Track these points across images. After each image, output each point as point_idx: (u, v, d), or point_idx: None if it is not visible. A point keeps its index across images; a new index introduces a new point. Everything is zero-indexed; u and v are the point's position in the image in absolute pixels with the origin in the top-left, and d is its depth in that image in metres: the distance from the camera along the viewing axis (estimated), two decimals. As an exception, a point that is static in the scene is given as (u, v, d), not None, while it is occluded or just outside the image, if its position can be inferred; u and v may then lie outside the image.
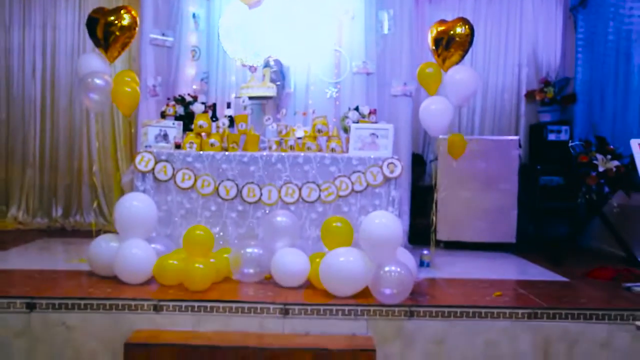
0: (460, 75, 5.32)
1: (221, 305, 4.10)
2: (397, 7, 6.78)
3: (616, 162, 5.62)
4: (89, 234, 6.86)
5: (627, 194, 5.64)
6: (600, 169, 5.66)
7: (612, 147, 5.77)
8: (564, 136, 6.93)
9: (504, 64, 7.67)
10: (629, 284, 4.75)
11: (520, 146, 6.87)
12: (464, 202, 6.60)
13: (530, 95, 7.45)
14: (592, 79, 6.93)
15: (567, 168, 6.24)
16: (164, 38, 6.78)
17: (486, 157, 6.59)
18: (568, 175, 6.36)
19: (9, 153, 7.69)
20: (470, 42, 5.33)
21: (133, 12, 5.17)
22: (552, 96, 7.19)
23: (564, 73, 7.44)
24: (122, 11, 5.10)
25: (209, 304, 4.10)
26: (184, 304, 4.10)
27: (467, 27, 5.31)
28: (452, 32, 5.33)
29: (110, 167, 7.56)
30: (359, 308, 4.11)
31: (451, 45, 5.28)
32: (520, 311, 4.14)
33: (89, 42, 7.20)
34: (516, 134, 7.42)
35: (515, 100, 7.64)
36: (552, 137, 6.98)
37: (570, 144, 6.15)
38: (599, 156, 5.71)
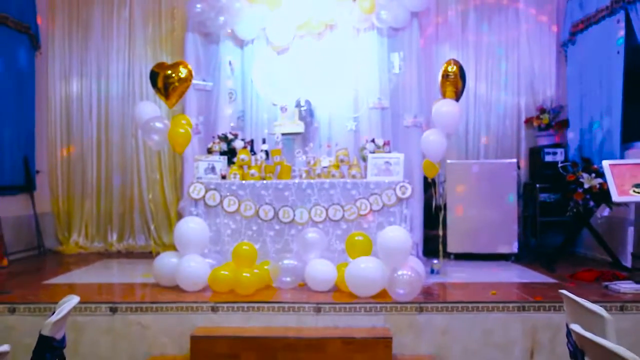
0: (446, 108, 6.09)
1: (266, 305, 5.03)
2: (407, 49, 7.65)
3: (599, 180, 6.38)
4: (141, 255, 7.92)
5: (610, 207, 6.43)
6: (586, 186, 6.46)
7: (596, 166, 6.57)
8: (559, 157, 7.66)
9: (504, 93, 8.43)
10: (607, 283, 5.56)
11: (519, 167, 7.70)
12: (471, 218, 7.42)
13: (529, 121, 8.24)
14: (581, 106, 7.66)
15: (560, 186, 7.02)
16: (205, 83, 7.69)
17: (489, 178, 7.42)
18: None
19: (70, 186, 8.57)
20: (462, 79, 6.11)
21: (188, 67, 6.10)
22: (548, 122, 7.97)
23: (558, 101, 8.19)
24: (180, 66, 6.02)
25: (255, 305, 5.03)
26: (235, 305, 5.03)
27: (456, 66, 6.11)
28: (444, 71, 6.14)
29: (158, 196, 8.40)
30: (378, 305, 5.00)
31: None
32: (511, 305, 4.99)
33: (137, 88, 8.33)
34: (517, 157, 8.19)
35: (516, 126, 8.42)
36: (548, 158, 7.73)
37: (559, 165, 6.98)
38: (585, 175, 6.51)
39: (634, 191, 5.25)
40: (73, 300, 2.74)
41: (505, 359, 4.95)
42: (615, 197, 5.29)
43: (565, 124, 8.00)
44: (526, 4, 8.38)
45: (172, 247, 6.01)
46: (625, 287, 5.32)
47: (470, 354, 4.94)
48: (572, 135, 7.89)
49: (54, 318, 2.50)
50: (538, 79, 8.42)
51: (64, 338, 2.65)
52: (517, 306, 4.97)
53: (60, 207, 8.57)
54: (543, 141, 8.06)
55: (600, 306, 4.85)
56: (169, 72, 5.95)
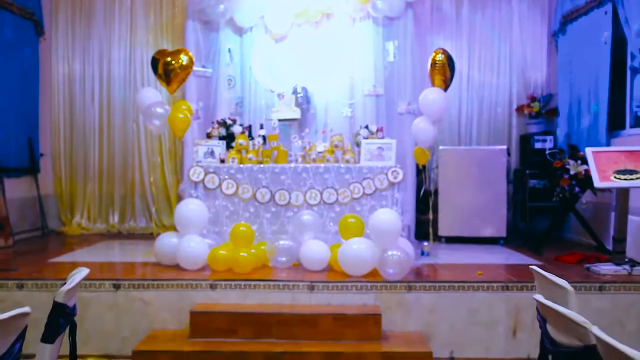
0: (432, 96, 6.31)
1: (262, 283, 5.28)
2: (401, 38, 7.84)
3: (585, 166, 6.58)
4: (142, 237, 8.17)
5: (594, 193, 6.67)
6: (572, 172, 6.70)
7: (582, 153, 6.77)
8: (548, 145, 7.88)
9: (497, 82, 8.68)
10: (589, 265, 5.81)
11: (509, 154, 7.94)
12: (462, 203, 7.66)
13: (519, 109, 8.47)
14: (570, 95, 7.88)
15: (548, 172, 7.24)
16: (205, 70, 7.89)
17: (479, 164, 7.66)
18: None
19: (72, 169, 8.79)
20: (450, 68, 6.32)
21: (189, 54, 6.30)
22: (538, 110, 8.20)
23: (549, 90, 8.43)
24: (181, 53, 6.22)
25: (252, 283, 5.28)
26: (233, 283, 5.28)
27: (444, 55, 6.31)
28: (432, 60, 6.36)
29: (158, 179, 8.62)
30: (369, 284, 5.26)
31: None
32: (495, 284, 5.24)
33: (139, 74, 8.52)
34: (508, 144, 8.44)
35: (508, 114, 8.65)
36: (538, 145, 7.95)
37: (547, 152, 7.21)
38: (571, 161, 6.75)
39: (615, 177, 5.48)
40: (83, 271, 2.97)
41: (490, 337, 5.20)
42: (597, 182, 5.52)
43: (555, 112, 8.22)
44: (519, -6, 8.58)
45: (172, 229, 6.25)
46: (605, 268, 5.57)
47: (456, 331, 5.19)
48: (561, 123, 8.10)
49: (66, 287, 2.73)
50: (529, 68, 8.65)
51: (74, 306, 2.88)
52: (502, 286, 5.22)
53: (63, 189, 8.79)
54: (533, 129, 8.28)
55: (581, 287, 5.16)
56: (170, 59, 6.14)
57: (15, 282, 5.22)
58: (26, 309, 2.19)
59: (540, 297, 2.48)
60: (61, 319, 2.69)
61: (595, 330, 2.00)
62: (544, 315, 2.51)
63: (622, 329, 5.08)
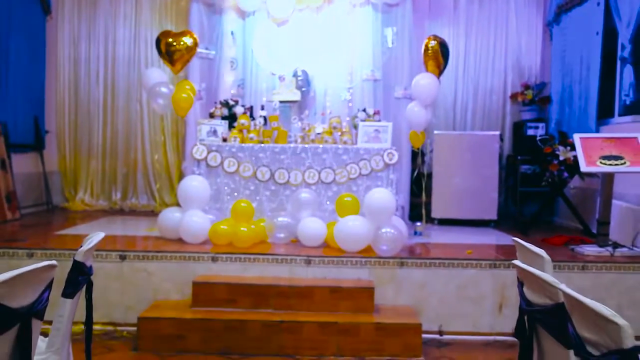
0: (424, 81, 6.57)
1: (261, 257, 5.53)
2: (399, 25, 8.07)
3: (574, 153, 6.76)
4: (144, 214, 8.40)
5: (582, 178, 6.92)
6: (561, 158, 6.94)
7: (571, 139, 7.03)
8: (540, 132, 8.12)
9: (492, 69, 8.91)
10: (574, 246, 6.07)
11: (502, 140, 8.18)
12: (455, 186, 7.91)
13: (514, 96, 8.71)
14: (563, 83, 8.13)
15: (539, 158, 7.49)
16: (208, 51, 8.10)
17: (472, 149, 7.91)
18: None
19: (77, 147, 9.03)
20: (443, 54, 6.55)
21: (194, 36, 6.52)
22: (531, 98, 8.44)
23: (543, 78, 8.67)
24: (186, 35, 6.45)
25: (252, 256, 5.52)
26: (233, 256, 5.52)
27: (437, 41, 6.54)
28: (424, 46, 6.59)
29: (160, 158, 8.84)
30: (363, 260, 5.51)
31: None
32: (483, 262, 5.49)
33: (143, 54, 8.74)
34: (502, 130, 8.69)
35: (502, 101, 8.89)
36: (530, 132, 8.18)
37: (537, 138, 7.46)
38: (561, 147, 6.99)
39: (601, 162, 5.73)
40: (100, 235, 3.21)
41: (477, 312, 5.46)
42: (583, 167, 5.76)
43: (548, 100, 8.45)
44: (515, -17, 8.79)
45: (174, 206, 6.49)
46: (589, 250, 5.83)
47: (445, 306, 5.45)
48: (553, 111, 8.34)
49: (84, 247, 2.97)
50: (524, 56, 8.87)
51: (91, 267, 3.12)
52: (489, 264, 5.47)
53: (68, 166, 9.03)
54: (526, 116, 8.52)
55: (564, 266, 5.42)
56: (174, 40, 6.36)
57: (26, 251, 5.46)
58: (53, 262, 2.42)
59: (518, 262, 2.73)
60: (80, 277, 2.93)
61: (563, 287, 2.25)
62: (521, 279, 2.75)
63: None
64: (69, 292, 2.89)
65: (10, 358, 2.28)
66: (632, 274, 5.40)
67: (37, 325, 2.40)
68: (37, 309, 2.36)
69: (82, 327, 3.25)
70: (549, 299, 2.40)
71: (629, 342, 1.84)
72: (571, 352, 2.20)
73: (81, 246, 3.05)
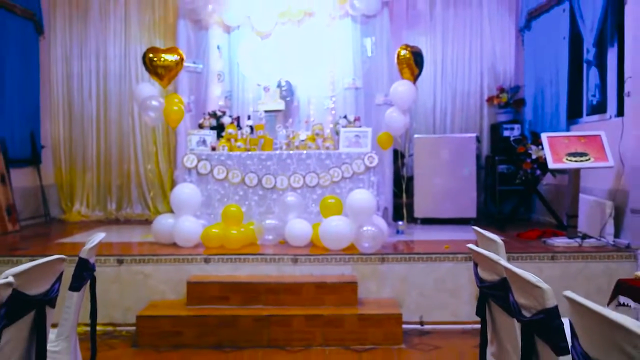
0: (401, 88, 6.97)
1: (251, 257, 5.89)
2: (378, 35, 8.42)
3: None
4: (138, 222, 8.73)
5: (553, 175, 7.31)
6: (534, 157, 7.33)
7: (542, 139, 7.43)
8: (516, 132, 8.49)
9: (468, 74, 9.29)
10: (545, 239, 6.45)
11: (479, 141, 8.57)
12: (435, 186, 8.27)
13: (490, 99, 9.07)
14: (535, 86, 8.53)
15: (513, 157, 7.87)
16: (195, 65, 8.40)
17: (451, 151, 8.28)
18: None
19: (72, 160, 9.35)
20: (416, 63, 6.94)
21: (180, 52, 6.90)
22: (506, 100, 8.81)
23: (517, 81, 9.05)
24: (174, 52, 6.84)
25: (242, 257, 5.89)
26: (225, 257, 5.88)
27: (408, 50, 6.95)
28: (397, 54, 6.99)
29: (153, 167, 9.16)
30: (347, 257, 5.88)
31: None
32: (459, 255, 5.86)
33: (133, 69, 9.09)
34: (480, 132, 9.08)
35: (479, 104, 9.26)
36: (506, 133, 8.53)
37: (511, 139, 7.85)
38: (533, 147, 7.38)
39: (567, 159, 6.12)
40: (100, 235, 3.57)
41: (455, 302, 5.83)
42: (551, 164, 6.15)
43: (522, 102, 8.84)
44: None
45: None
46: (559, 241, 6.22)
47: (425, 297, 5.82)
48: (527, 112, 8.75)
49: (88, 246, 3.32)
50: (499, 61, 9.26)
51: (94, 264, 3.47)
52: (465, 257, 5.83)
53: (64, 178, 9.34)
54: (502, 118, 8.89)
55: (535, 257, 5.80)
56: (160, 56, 6.75)
57: (29, 258, 5.78)
58: (62, 256, 2.78)
59: (472, 245, 3.10)
60: (85, 272, 3.28)
61: (503, 262, 2.62)
62: (475, 261, 3.12)
63: (571, 292, 5.70)
64: (75, 285, 3.24)
65: (28, 341, 2.63)
66: (597, 262, 5.78)
67: (50, 312, 2.75)
68: (50, 297, 2.72)
69: (85, 328, 3.59)
70: (497, 275, 2.77)
71: (551, 303, 2.21)
72: (514, 320, 2.58)
73: (74, 259, 3.40)
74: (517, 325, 2.55)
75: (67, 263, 2.88)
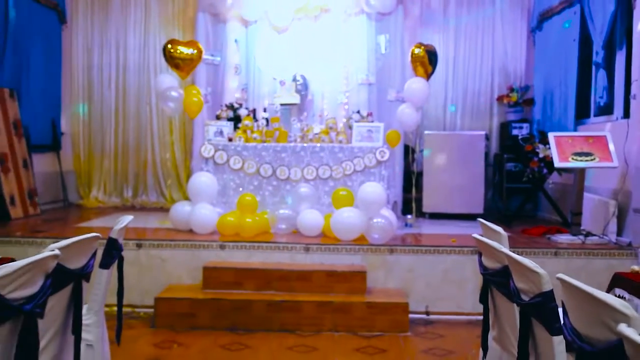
0: (415, 85, 7.18)
1: (264, 245, 6.13)
2: (392, 32, 8.61)
3: None
4: (153, 210, 8.96)
5: (559, 173, 7.50)
6: (541, 155, 7.52)
7: (551, 138, 7.61)
8: (524, 131, 8.67)
9: (479, 73, 9.48)
10: (550, 235, 6.65)
11: (487, 139, 8.77)
12: (444, 182, 8.48)
13: (500, 98, 9.25)
14: (545, 86, 8.72)
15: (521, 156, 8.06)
16: (213, 58, 8.61)
17: (460, 148, 8.50)
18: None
19: (91, 148, 9.62)
20: (430, 61, 7.14)
21: (199, 45, 7.14)
22: (516, 100, 8.99)
23: (527, 81, 9.24)
24: (193, 45, 7.08)
25: (256, 244, 6.13)
26: (239, 244, 6.13)
27: (422, 49, 7.15)
28: (411, 53, 7.21)
29: (168, 158, 9.42)
30: (357, 247, 6.12)
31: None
32: (465, 249, 6.07)
33: (152, 60, 9.30)
34: (490, 130, 9.28)
35: (489, 103, 9.45)
36: (515, 132, 8.71)
37: (519, 137, 8.04)
38: (540, 146, 7.56)
39: (573, 159, 6.31)
40: (128, 217, 3.81)
41: (460, 293, 6.04)
42: (557, 162, 6.35)
43: (531, 102, 9.03)
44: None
45: (183, 201, 7.09)
46: (563, 238, 6.42)
47: (431, 288, 6.04)
48: (536, 112, 8.94)
49: (118, 226, 3.56)
50: (510, 60, 9.44)
51: (122, 244, 3.71)
52: (471, 250, 6.03)
53: (82, 165, 9.61)
54: (512, 117, 9.07)
55: (539, 252, 6.00)
56: (180, 49, 6.99)
57: (52, 240, 6.04)
58: (97, 234, 3.02)
59: (476, 235, 3.32)
60: (114, 251, 3.52)
61: (505, 250, 2.83)
62: (480, 250, 3.34)
63: (572, 287, 5.91)
64: (105, 263, 3.48)
65: (66, 311, 2.87)
66: (599, 259, 5.97)
67: (85, 286, 2.99)
68: (86, 272, 2.95)
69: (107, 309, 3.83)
70: (499, 263, 2.99)
71: (547, 287, 2.42)
72: (514, 305, 2.79)
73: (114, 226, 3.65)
74: (516, 309, 2.76)
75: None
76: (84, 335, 3.12)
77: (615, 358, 1.70)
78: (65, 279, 2.75)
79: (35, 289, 2.35)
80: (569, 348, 2.10)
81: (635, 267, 3.75)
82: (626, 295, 3.56)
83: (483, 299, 3.43)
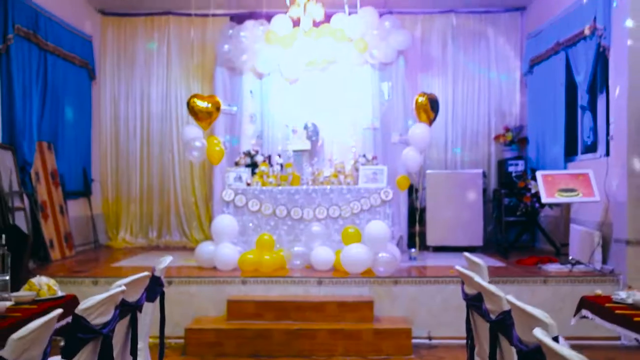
0: (418, 131, 7.96)
1: (281, 279, 6.81)
2: (394, 80, 9.39)
3: None
4: (177, 249, 9.64)
5: (551, 207, 8.15)
6: (533, 191, 8.17)
7: (542, 175, 8.28)
8: (520, 168, 9.34)
9: (477, 114, 10.20)
10: (541, 265, 7.28)
11: (485, 176, 9.45)
12: (446, 217, 9.14)
13: (497, 138, 9.96)
14: (537, 126, 9.41)
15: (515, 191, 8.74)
16: (230, 107, 9.36)
17: (459, 185, 9.18)
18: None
19: (118, 192, 10.38)
20: (432, 108, 7.88)
21: (217, 100, 7.94)
22: (511, 139, 9.69)
23: (521, 121, 9.95)
24: (212, 100, 7.88)
25: (274, 279, 6.80)
26: (259, 279, 6.80)
27: (425, 97, 7.90)
28: (415, 101, 7.96)
29: (190, 201, 10.19)
30: (364, 279, 6.78)
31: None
32: (463, 279, 6.72)
33: (174, 110, 10.09)
34: (488, 168, 9.97)
35: (487, 142, 10.16)
36: (511, 169, 9.39)
37: (513, 174, 8.72)
38: (532, 182, 8.22)
39: (559, 194, 6.99)
40: (169, 258, 4.52)
41: (459, 320, 6.53)
42: (544, 198, 7.03)
43: (525, 141, 9.72)
44: (495, 41, 10.17)
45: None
46: (552, 267, 7.06)
47: (433, 315, 6.65)
48: (530, 150, 9.62)
49: (161, 265, 4.27)
50: (505, 102, 10.18)
51: (163, 280, 4.40)
52: (468, 280, 6.68)
53: (110, 209, 10.36)
54: (508, 154, 9.75)
55: (529, 280, 6.63)
56: (200, 103, 7.78)
57: (91, 279, 6.78)
58: (148, 273, 3.72)
59: (458, 267, 4.00)
60: (157, 287, 4.23)
61: (477, 278, 3.51)
62: (462, 279, 4.02)
63: (559, 313, 6.46)
64: (150, 297, 4.18)
65: (125, 337, 3.56)
66: (584, 285, 6.56)
67: (139, 316, 3.68)
68: (140, 304, 3.65)
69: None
70: (475, 290, 3.67)
71: (506, 307, 3.10)
72: (488, 324, 3.46)
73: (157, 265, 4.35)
74: (487, 326, 3.43)
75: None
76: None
77: (537, 355, 2.37)
78: (127, 309, 3.45)
79: (109, 317, 3.05)
80: (517, 351, 2.77)
81: (599, 291, 4.40)
82: (589, 315, 4.20)
83: (467, 320, 4.10)
